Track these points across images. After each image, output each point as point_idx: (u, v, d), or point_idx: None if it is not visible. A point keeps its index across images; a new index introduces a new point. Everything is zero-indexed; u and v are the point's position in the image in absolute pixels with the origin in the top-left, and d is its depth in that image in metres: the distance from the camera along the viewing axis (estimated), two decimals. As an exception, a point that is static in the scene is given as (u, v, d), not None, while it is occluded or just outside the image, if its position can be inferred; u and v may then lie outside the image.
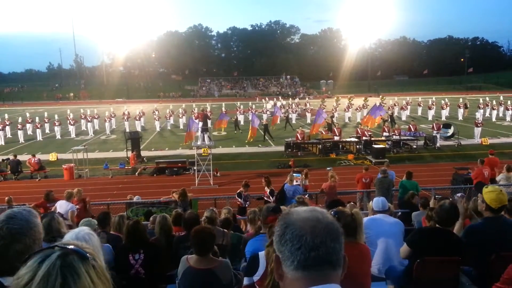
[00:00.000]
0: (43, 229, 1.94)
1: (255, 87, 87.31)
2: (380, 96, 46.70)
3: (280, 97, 53.19)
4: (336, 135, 23.17)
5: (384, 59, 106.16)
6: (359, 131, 23.89)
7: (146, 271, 4.94)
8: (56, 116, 31.42)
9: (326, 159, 21.19)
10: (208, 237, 4.00)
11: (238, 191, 11.39)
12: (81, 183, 16.29)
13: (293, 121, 35.14)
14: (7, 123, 31.07)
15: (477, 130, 25.43)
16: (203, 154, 18.52)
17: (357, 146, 22.32)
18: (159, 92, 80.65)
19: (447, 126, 26.58)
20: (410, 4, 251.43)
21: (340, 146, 22.82)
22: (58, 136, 30.40)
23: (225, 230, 6.04)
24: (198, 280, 3.87)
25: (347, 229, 3.54)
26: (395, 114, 35.47)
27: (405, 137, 23.40)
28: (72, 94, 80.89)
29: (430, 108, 36.77)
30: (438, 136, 23.94)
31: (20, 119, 30.83)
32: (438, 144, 23.45)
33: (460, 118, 35.75)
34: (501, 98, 39.84)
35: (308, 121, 35.85)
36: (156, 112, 34.38)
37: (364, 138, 22.70)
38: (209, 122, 22.49)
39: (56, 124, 30.60)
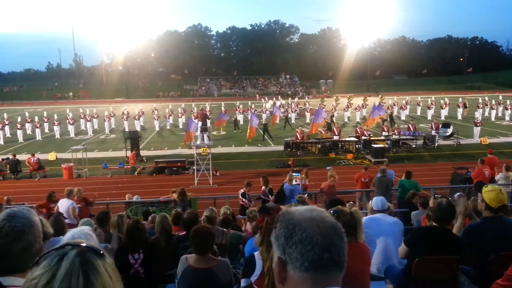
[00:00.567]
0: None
1: (254, 87, 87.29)
2: (380, 96, 46.74)
3: (279, 97, 53.16)
4: (336, 135, 23.17)
5: (383, 58, 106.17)
6: (359, 131, 23.90)
7: (145, 270, 4.94)
8: (55, 116, 31.38)
9: (325, 158, 21.19)
10: (207, 237, 4.01)
11: (242, 191, 11.35)
12: (80, 183, 16.28)
13: (293, 121, 35.14)
14: (6, 122, 31.03)
15: (476, 130, 25.45)
16: (202, 153, 18.52)
17: (357, 146, 22.33)
18: (158, 92, 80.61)
19: (446, 125, 26.60)
20: (410, 4, 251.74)
21: (340, 145, 22.82)
22: (57, 136, 30.37)
23: (225, 230, 6.05)
24: (197, 279, 3.87)
25: (347, 228, 3.52)
26: (394, 113, 35.49)
27: (404, 137, 23.42)
28: (71, 94, 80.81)
29: (429, 108, 36.79)
30: (437, 135, 23.95)
31: (19, 119, 30.84)
32: (437, 144, 23.45)
33: (459, 117, 35.78)
34: (500, 97, 39.88)
35: (308, 120, 35.82)
36: (156, 112, 34.37)
37: (363, 137, 22.71)
38: (208, 121, 22.52)
39: (55, 124, 30.56)
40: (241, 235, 6.36)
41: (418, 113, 39.33)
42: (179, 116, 35.11)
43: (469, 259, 4.38)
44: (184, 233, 5.73)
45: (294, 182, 11.50)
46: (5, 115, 32.29)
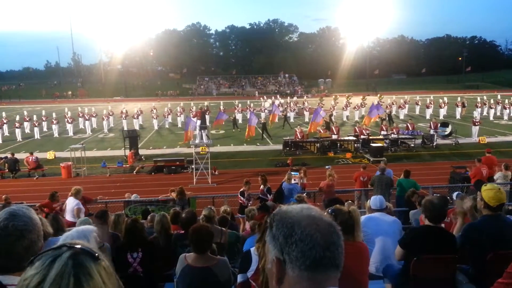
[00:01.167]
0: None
1: (253, 86, 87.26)
2: (378, 95, 46.77)
3: (278, 96, 53.16)
4: (334, 134, 23.18)
5: (382, 58, 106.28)
6: (357, 130, 23.91)
7: (144, 269, 4.94)
8: (54, 115, 31.34)
9: (324, 157, 21.20)
10: (206, 235, 4.01)
11: (241, 189, 11.35)
12: (78, 182, 16.28)
13: (291, 120, 35.15)
14: (5, 121, 31.00)
15: (475, 129, 25.49)
16: (201, 152, 18.51)
17: (355, 145, 22.34)
18: (157, 91, 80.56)
19: (444, 125, 26.61)
20: (408, 3, 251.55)
21: (338, 144, 22.83)
22: (56, 135, 30.33)
23: (223, 229, 6.05)
24: (196, 278, 3.87)
25: (345, 227, 3.54)
26: (393, 113, 35.50)
27: (403, 136, 23.43)
28: (70, 92, 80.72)
29: (428, 107, 36.81)
30: (435, 135, 23.97)
31: (17, 117, 30.75)
32: (435, 143, 23.48)
33: (458, 117, 35.82)
34: (499, 97, 39.98)
35: (306, 119, 35.82)
36: (154, 111, 34.34)
37: (362, 136, 22.72)
38: (207, 118, 22.49)
39: (54, 122, 30.53)
40: (239, 234, 6.36)
41: (417, 112, 39.36)
42: (178, 115, 35.10)
43: (467, 257, 4.39)
44: (183, 231, 5.73)
45: (292, 181, 11.50)
46: (4, 114, 32.21)
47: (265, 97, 48.13)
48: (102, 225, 5.96)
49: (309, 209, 1.23)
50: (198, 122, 22.25)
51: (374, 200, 5.81)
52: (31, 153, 19.42)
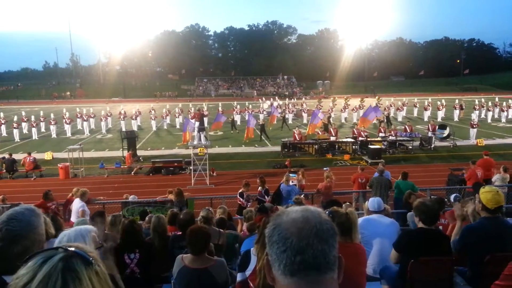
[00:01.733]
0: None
1: (252, 87, 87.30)
2: (377, 97, 46.85)
3: (276, 97, 53.21)
4: (332, 136, 23.20)
5: (380, 59, 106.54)
6: (355, 132, 23.94)
7: (141, 270, 4.93)
8: (52, 115, 31.32)
9: (322, 159, 21.21)
10: (203, 237, 4.00)
11: (240, 191, 11.34)
12: (76, 182, 16.24)
13: (290, 121, 35.16)
14: (3, 121, 30.95)
15: (473, 131, 25.53)
16: (199, 153, 18.50)
17: (353, 147, 22.37)
18: (156, 92, 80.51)
19: (442, 127, 26.66)
20: (407, 6, 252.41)
21: (336, 146, 22.86)
22: (54, 135, 30.28)
23: (221, 230, 6.04)
24: (193, 279, 3.87)
25: (342, 229, 3.55)
26: (391, 115, 35.52)
27: (401, 138, 23.46)
28: (68, 93, 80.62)
29: (426, 109, 36.87)
30: (433, 137, 24.02)
31: (15, 118, 30.68)
32: (433, 145, 23.51)
33: (456, 119, 35.89)
34: (497, 99, 40.07)
35: (305, 121, 35.89)
36: (153, 112, 34.31)
37: (360, 138, 22.75)
38: (205, 120, 22.49)
39: (52, 123, 30.47)
40: (237, 235, 6.35)
41: (415, 114, 39.41)
42: (176, 116, 35.09)
43: (464, 259, 4.40)
44: (180, 233, 5.72)
45: (290, 183, 11.50)
46: (2, 114, 32.13)
47: (263, 98, 48.21)
48: (98, 226, 5.94)
49: (300, 212, 1.20)
50: (197, 123, 22.23)
51: (372, 201, 5.81)
52: (29, 154, 19.38)
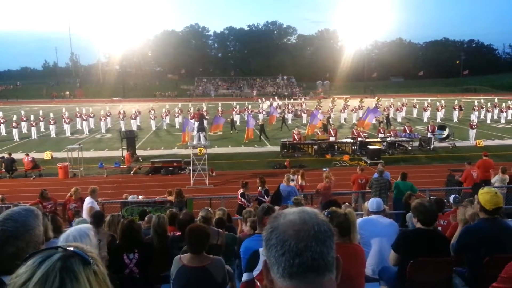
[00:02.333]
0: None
1: (251, 87, 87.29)
2: (376, 98, 46.87)
3: (276, 97, 53.22)
4: (332, 136, 23.21)
5: (380, 60, 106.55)
6: (355, 132, 23.95)
7: (140, 270, 4.93)
8: (51, 115, 31.28)
9: (321, 159, 21.21)
10: (203, 235, 4.01)
11: (241, 191, 11.33)
12: (75, 182, 16.22)
13: (289, 122, 35.16)
14: (2, 121, 30.95)
15: (472, 132, 25.55)
16: (198, 153, 18.49)
17: (353, 147, 22.37)
18: (155, 91, 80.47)
19: (442, 127, 26.67)
20: (406, 6, 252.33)
21: (336, 147, 22.87)
22: (53, 135, 30.25)
23: (220, 230, 6.04)
24: (192, 277, 3.87)
25: (341, 229, 3.55)
26: (391, 115, 35.53)
27: (400, 139, 23.47)
28: (67, 93, 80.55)
29: (425, 110, 36.90)
30: (433, 137, 24.03)
31: (15, 117, 30.65)
32: (433, 146, 23.53)
33: (455, 120, 35.91)
34: (496, 100, 40.08)
35: (304, 121, 35.89)
36: (152, 112, 34.30)
37: (359, 139, 22.76)
38: (205, 121, 22.50)
39: (51, 123, 30.44)
40: (236, 236, 6.36)
41: (414, 115, 39.45)
42: (176, 116, 35.10)
43: (463, 260, 4.40)
44: (179, 233, 5.72)
45: (291, 183, 11.51)
46: (1, 114, 32.10)
47: (263, 98, 48.20)
48: (98, 226, 5.95)
49: (297, 213, 1.19)
50: (196, 123, 22.22)
51: (372, 202, 5.81)
52: (27, 154, 19.36)
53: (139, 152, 22.50)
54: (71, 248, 1.07)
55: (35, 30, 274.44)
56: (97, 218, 6.09)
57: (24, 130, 31.12)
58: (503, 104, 37.63)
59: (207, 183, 16.85)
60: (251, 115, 27.77)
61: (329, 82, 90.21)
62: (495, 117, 36.49)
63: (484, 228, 4.21)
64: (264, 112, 36.17)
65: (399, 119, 36.59)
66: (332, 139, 23.01)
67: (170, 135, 30.73)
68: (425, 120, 34.82)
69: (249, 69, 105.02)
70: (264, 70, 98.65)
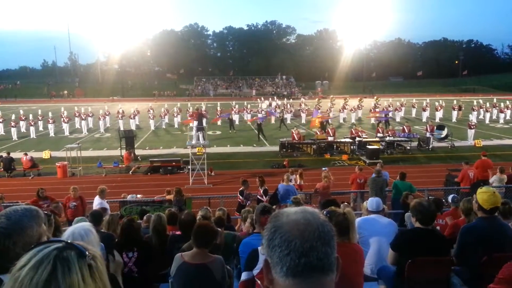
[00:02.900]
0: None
1: (250, 87, 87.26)
2: (375, 97, 46.89)
3: (275, 97, 53.23)
4: (331, 136, 23.23)
5: (379, 60, 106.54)
6: (354, 132, 23.98)
7: (139, 269, 4.93)
8: (50, 114, 31.24)
9: (320, 159, 21.23)
10: (210, 231, 4.10)
11: (240, 189, 11.34)
12: (74, 181, 16.21)
13: (288, 121, 35.18)
14: (0, 120, 30.88)
15: (471, 132, 25.58)
16: (197, 153, 18.49)
17: (351, 147, 22.38)
18: (154, 91, 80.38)
19: (440, 127, 26.70)
20: (406, 6, 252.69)
21: (335, 146, 22.88)
22: (52, 134, 30.21)
23: (219, 229, 6.04)
24: (192, 274, 3.89)
25: (340, 228, 3.56)
26: (389, 115, 35.47)
27: (399, 138, 23.50)
28: (66, 92, 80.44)
29: (424, 110, 36.95)
30: (431, 137, 24.06)
31: (13, 117, 30.65)
32: (431, 146, 23.56)
33: (454, 120, 35.95)
34: (495, 100, 40.13)
35: (303, 121, 35.91)
36: (151, 111, 34.28)
37: (358, 139, 22.78)
38: (204, 121, 22.49)
39: (50, 122, 30.40)
40: (235, 235, 6.36)
41: (413, 115, 39.49)
42: (175, 115, 35.08)
43: (462, 260, 4.41)
44: (180, 233, 5.72)
45: (290, 183, 11.52)
46: (-1, 113, 32.08)
47: (262, 98, 48.21)
48: (96, 225, 5.95)
49: (300, 213, 1.20)
50: (195, 123, 22.21)
51: (371, 202, 5.83)
52: (26, 154, 19.35)
53: (138, 152, 22.49)
54: (69, 241, 1.10)
55: (34, 29, 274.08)
56: (95, 217, 6.09)
57: (23, 129, 31.07)
58: (502, 104, 37.69)
59: (206, 182, 16.85)
60: (275, 112, 27.86)
61: (328, 82, 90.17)
62: (494, 117, 36.53)
63: (482, 227, 4.22)
64: (263, 112, 36.16)
65: (398, 119, 36.61)
66: (330, 138, 23.03)
67: (169, 135, 30.72)
68: (424, 120, 34.86)
69: (248, 68, 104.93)
70: (263, 70, 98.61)
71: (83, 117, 32.83)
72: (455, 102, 38.56)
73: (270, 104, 40.35)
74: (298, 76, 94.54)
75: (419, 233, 4.25)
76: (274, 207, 6.37)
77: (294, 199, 8.55)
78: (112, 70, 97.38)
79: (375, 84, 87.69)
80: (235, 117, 34.65)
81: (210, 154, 20.13)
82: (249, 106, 38.46)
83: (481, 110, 36.87)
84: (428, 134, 24.35)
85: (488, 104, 37.54)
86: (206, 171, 17.11)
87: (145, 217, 7.99)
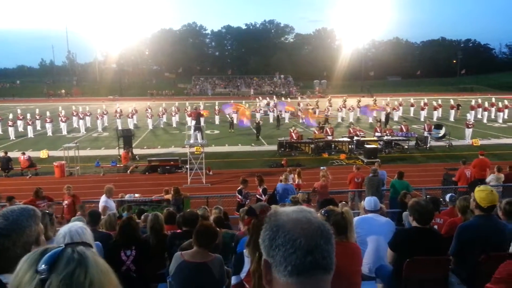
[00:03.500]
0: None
1: (248, 86, 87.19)
2: (373, 97, 46.94)
3: (274, 96, 53.18)
4: (329, 135, 23.24)
5: (377, 59, 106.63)
6: (352, 131, 24.00)
7: (137, 267, 4.93)
8: (48, 113, 31.17)
9: (318, 158, 21.24)
10: (213, 232, 4.13)
11: (239, 188, 11.35)
12: (72, 181, 16.20)
13: (286, 121, 35.17)
14: (-2, 119, 30.80)
15: (468, 131, 25.64)
16: (195, 152, 18.48)
17: (349, 146, 22.40)
18: (152, 90, 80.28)
19: (438, 127, 26.75)
20: (404, 6, 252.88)
21: (333, 145, 22.90)
22: (50, 133, 30.15)
23: (217, 229, 6.05)
24: (192, 273, 3.89)
25: (338, 228, 3.56)
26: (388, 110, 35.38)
27: (397, 138, 23.53)
28: (63, 91, 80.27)
29: (422, 109, 37.00)
30: (429, 136, 24.10)
31: (11, 116, 30.53)
32: (429, 145, 23.60)
33: (452, 119, 36.01)
34: (493, 99, 40.21)
35: (302, 120, 35.86)
36: (149, 110, 34.24)
37: (356, 138, 22.81)
38: (202, 120, 22.47)
39: (48, 121, 30.34)
40: (233, 233, 6.35)
41: (411, 114, 39.54)
42: (173, 114, 35.04)
43: (459, 258, 4.42)
44: (181, 231, 5.72)
45: (288, 182, 11.52)
46: (-3, 112, 31.96)
47: (260, 97, 48.18)
48: (94, 225, 5.95)
49: (299, 212, 1.21)
50: (193, 122, 22.19)
51: (369, 201, 5.83)
52: (23, 153, 19.30)
53: (136, 151, 22.47)
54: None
55: (32, 28, 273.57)
56: (93, 217, 6.08)
57: (21, 129, 31.01)
58: (499, 104, 37.77)
59: (204, 182, 16.85)
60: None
61: (326, 81, 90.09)
62: (492, 116, 36.61)
63: (478, 225, 4.24)
64: (261, 111, 36.13)
65: (396, 118, 36.63)
66: (329, 138, 23.05)
67: (167, 134, 30.69)
68: (421, 119, 34.91)
69: (246, 68, 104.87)
70: (262, 69, 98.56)
71: (81, 116, 32.76)
72: (452, 101, 38.63)
73: (268, 103, 40.27)
74: (296, 75, 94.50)
75: (416, 232, 4.26)
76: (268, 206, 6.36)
77: (292, 199, 8.56)
78: (110, 69, 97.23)
79: (373, 83, 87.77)
80: (234, 116, 34.62)
81: (208, 153, 20.12)
82: (247, 105, 38.37)
83: (479, 109, 36.94)
84: (426, 133, 24.39)
85: (486, 104, 37.62)
86: (204, 171, 17.10)
87: (142, 217, 7.98)
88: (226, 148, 24.64)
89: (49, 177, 18.40)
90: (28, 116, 30.67)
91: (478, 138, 25.42)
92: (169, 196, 11.39)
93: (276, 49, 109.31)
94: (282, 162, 19.50)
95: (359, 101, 40.35)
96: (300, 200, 8.93)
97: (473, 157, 15.34)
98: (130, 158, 20.46)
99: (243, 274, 3.37)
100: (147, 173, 18.92)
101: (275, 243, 1.15)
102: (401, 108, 38.81)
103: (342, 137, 24.17)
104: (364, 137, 23.62)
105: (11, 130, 28.92)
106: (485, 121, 34.95)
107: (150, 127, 33.18)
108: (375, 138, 23.52)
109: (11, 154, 19.73)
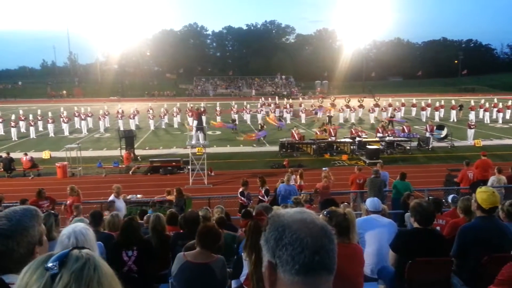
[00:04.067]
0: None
1: (250, 87, 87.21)
2: (375, 97, 46.87)
3: (276, 97, 53.22)
4: (331, 136, 23.22)
5: (378, 60, 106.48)
6: (353, 132, 23.98)
7: (139, 268, 4.94)
8: (50, 114, 31.23)
9: (320, 159, 21.23)
10: (216, 235, 4.13)
11: (240, 190, 11.34)
12: (74, 182, 16.20)
13: (288, 121, 35.17)
14: (0, 120, 30.84)
15: (470, 132, 25.59)
16: (197, 153, 18.49)
17: (351, 147, 22.39)
18: (154, 91, 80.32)
19: (440, 127, 26.71)
20: (405, 6, 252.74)
21: (335, 146, 22.88)
22: (52, 134, 30.19)
23: (219, 230, 6.05)
24: (195, 274, 3.90)
25: (340, 229, 3.56)
26: (389, 114, 35.39)
27: (399, 138, 23.50)
28: (65, 92, 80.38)
29: (424, 110, 36.95)
30: (431, 137, 24.07)
31: (13, 117, 30.62)
32: (431, 146, 23.56)
33: (453, 119, 35.95)
34: (495, 100, 40.13)
35: (303, 121, 35.91)
36: (151, 111, 34.27)
37: (358, 139, 22.78)
38: (203, 120, 22.49)
39: (50, 122, 30.39)
40: (235, 235, 6.36)
41: (413, 114, 39.49)
42: (174, 115, 35.09)
43: (462, 260, 4.41)
44: (183, 231, 5.73)
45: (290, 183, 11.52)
46: (-1, 113, 32.02)
47: (262, 98, 48.21)
48: (96, 225, 5.96)
49: (302, 213, 1.23)
50: (195, 122, 22.19)
51: (371, 202, 5.83)
52: (25, 154, 19.34)
53: (138, 152, 22.49)
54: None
55: (33, 29, 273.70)
56: (95, 218, 6.09)
57: (23, 130, 31.06)
58: (500, 104, 37.69)
59: (205, 182, 16.86)
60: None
61: (328, 81, 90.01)
62: (494, 117, 36.53)
63: (480, 226, 4.23)
64: (263, 112, 36.14)
65: (398, 118, 36.56)
66: (331, 138, 23.03)
67: (169, 135, 30.72)
68: (423, 119, 34.86)
69: (247, 68, 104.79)
70: (263, 69, 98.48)
71: (83, 117, 32.81)
72: (453, 102, 38.57)
73: (269, 104, 40.33)
74: (298, 76, 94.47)
75: (418, 233, 4.26)
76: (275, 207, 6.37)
77: (295, 199, 8.56)
78: (112, 70, 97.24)
79: (374, 84, 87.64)
80: (234, 117, 34.67)
81: (210, 154, 20.13)
82: (248, 106, 38.44)
83: (481, 110, 36.87)
84: (428, 134, 24.36)
85: (487, 104, 37.54)
86: (206, 171, 17.11)
87: (145, 218, 7.99)
88: (227, 149, 24.65)
89: (51, 178, 18.43)
90: (30, 117, 30.73)
91: (480, 138, 25.37)
92: (171, 197, 11.41)
93: (277, 50, 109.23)
94: (284, 163, 19.50)
95: (361, 100, 40.33)
96: (303, 201, 8.94)
97: (475, 158, 15.30)
98: (132, 159, 20.47)
99: (242, 278, 3.37)
100: (149, 174, 18.94)
101: (282, 242, 1.16)
102: (402, 108, 38.72)
103: (344, 138, 24.15)
104: (366, 138, 23.59)
105: (13, 131, 28.99)
106: (486, 121, 34.86)
107: (152, 128, 33.21)
108: (377, 139, 23.49)
109: (13, 155, 19.76)
